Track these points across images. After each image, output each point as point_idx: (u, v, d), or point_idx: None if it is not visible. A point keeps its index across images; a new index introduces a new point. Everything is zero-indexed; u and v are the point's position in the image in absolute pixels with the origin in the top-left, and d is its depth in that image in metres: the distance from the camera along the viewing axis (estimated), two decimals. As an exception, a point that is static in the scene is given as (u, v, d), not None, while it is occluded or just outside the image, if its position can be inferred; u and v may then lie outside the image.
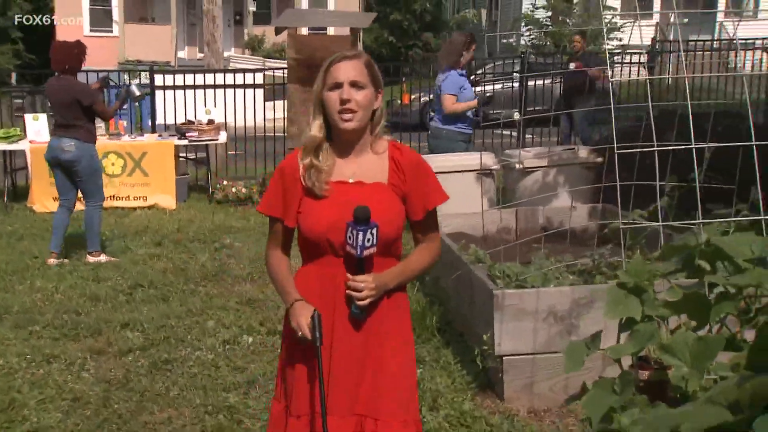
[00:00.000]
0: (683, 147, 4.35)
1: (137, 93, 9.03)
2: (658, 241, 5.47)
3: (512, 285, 4.99)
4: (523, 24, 25.88)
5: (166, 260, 8.33)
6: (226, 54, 21.71)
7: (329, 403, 2.81)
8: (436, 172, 7.53)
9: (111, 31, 30.89)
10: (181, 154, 12.09)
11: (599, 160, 7.54)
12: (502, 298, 4.64)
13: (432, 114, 10.99)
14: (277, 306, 6.74)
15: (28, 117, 11.50)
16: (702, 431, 2.26)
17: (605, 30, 25.08)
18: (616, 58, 17.26)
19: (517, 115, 9.98)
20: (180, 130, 11.73)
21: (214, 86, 13.08)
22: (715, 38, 25.64)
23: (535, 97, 15.25)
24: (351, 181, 2.89)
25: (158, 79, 13.65)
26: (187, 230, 9.64)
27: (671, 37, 26.38)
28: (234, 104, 12.98)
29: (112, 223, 9.96)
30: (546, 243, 5.91)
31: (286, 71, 12.35)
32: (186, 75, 13.85)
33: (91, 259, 8.18)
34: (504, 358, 4.70)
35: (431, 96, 19.16)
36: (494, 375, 4.86)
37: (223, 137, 11.93)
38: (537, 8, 25.48)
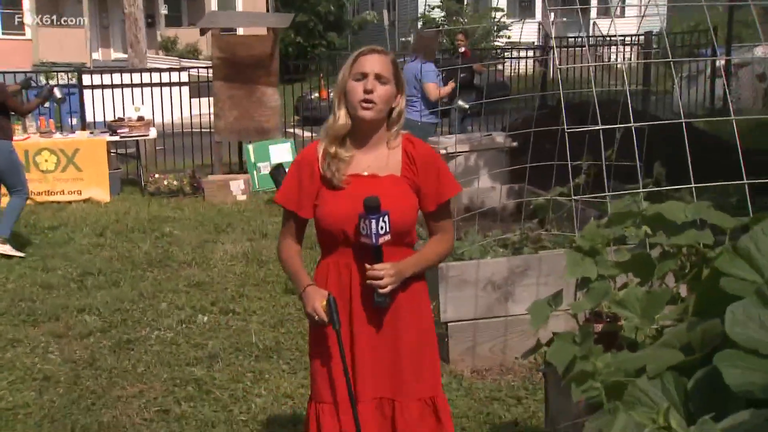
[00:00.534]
0: (613, 128, 4.54)
1: (59, 95, 9.06)
2: (575, 215, 5.71)
3: (452, 258, 5.13)
4: (420, 23, 26.14)
5: (110, 249, 8.22)
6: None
7: (360, 390, 2.78)
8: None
9: (23, 34, 29.95)
10: (111, 150, 11.89)
11: (514, 144, 7.75)
12: (447, 269, 4.77)
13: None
14: (224, 287, 6.76)
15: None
16: (663, 369, 2.43)
17: (494, 28, 25.47)
18: (507, 54, 17.62)
19: (466, 105, 10.13)
20: (111, 127, 11.54)
21: (145, 84, 12.95)
22: (590, 35, 26.29)
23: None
24: (365, 174, 2.80)
25: (85, 79, 13.39)
26: (125, 221, 9.51)
27: (553, 35, 26.98)
28: (161, 101, 12.83)
29: (50, 216, 9.80)
30: (471, 221, 6.08)
31: (203, 70, 12.34)
32: (110, 74, 13.63)
33: None
34: (449, 324, 4.84)
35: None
36: (440, 340, 4.99)
37: (153, 133, 11.78)
38: (433, 8, 25.79)
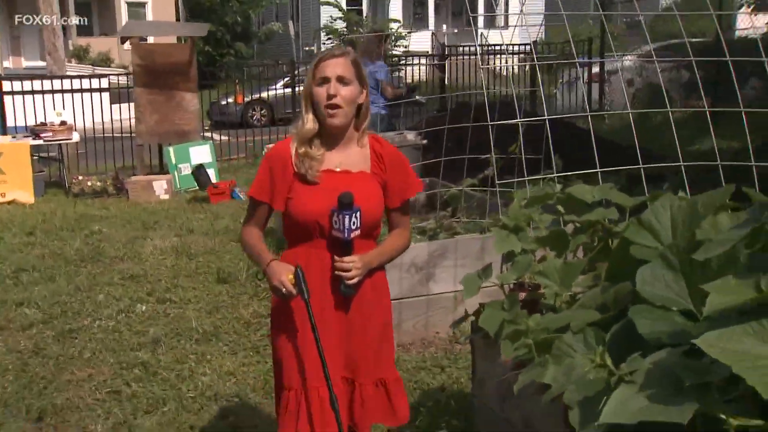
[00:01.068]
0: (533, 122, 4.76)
1: None
2: (484, 205, 5.95)
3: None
4: (324, 33, 26.26)
5: (41, 247, 8.06)
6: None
7: (322, 372, 2.72)
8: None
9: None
10: (34, 154, 11.63)
11: (424, 142, 7.96)
12: (373, 254, 4.92)
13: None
14: (158, 279, 6.76)
15: None
16: (584, 325, 2.65)
17: (394, 37, 25.62)
18: (409, 60, 17.93)
19: (423, 100, 10.32)
20: (34, 131, 11.31)
21: (67, 90, 12.67)
22: (478, 44, 26.80)
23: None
24: (338, 170, 2.78)
25: (5, 85, 13.03)
26: (53, 221, 9.33)
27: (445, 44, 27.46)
28: (82, 107, 12.61)
29: (-24, 218, 9.56)
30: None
31: (122, 77, 12.17)
32: (30, 81, 13.30)
33: None
34: (376, 303, 4.99)
35: (253, 96, 19.32)
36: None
37: (75, 137, 11.59)
38: (335, 19, 25.92)
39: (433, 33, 30.77)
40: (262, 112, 20.22)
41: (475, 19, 33.65)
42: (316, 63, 2.75)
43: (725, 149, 7.09)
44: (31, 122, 12.10)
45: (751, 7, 11.83)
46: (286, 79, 19.90)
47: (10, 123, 12.74)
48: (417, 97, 10.03)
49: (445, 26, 33.46)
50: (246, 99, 18.50)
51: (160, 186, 10.70)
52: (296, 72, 14.99)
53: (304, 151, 2.74)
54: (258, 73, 19.20)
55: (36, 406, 4.37)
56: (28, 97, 12.59)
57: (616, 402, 1.92)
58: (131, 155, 12.61)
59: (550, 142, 4.69)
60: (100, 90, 12.97)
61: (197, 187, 11.08)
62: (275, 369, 2.94)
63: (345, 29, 25.77)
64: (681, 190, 3.34)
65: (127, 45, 11.56)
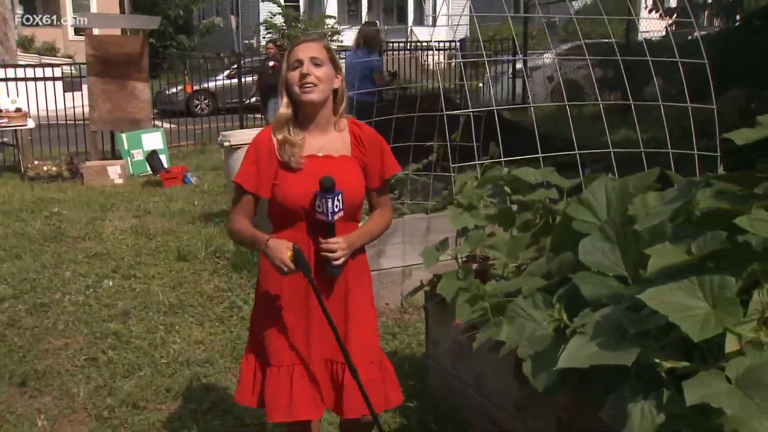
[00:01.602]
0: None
1: None
2: (427, 188, 6.15)
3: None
4: (263, 27, 26.08)
5: (4, 227, 7.97)
6: None
7: (310, 352, 2.70)
8: (243, 144, 7.80)
9: None
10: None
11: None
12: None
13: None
14: (121, 257, 6.78)
15: None
16: (534, 290, 2.84)
17: (327, 33, 25.57)
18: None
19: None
20: (-11, 118, 11.12)
21: (21, 78, 12.43)
22: (409, 41, 26.99)
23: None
24: (320, 154, 2.69)
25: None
26: (11, 203, 9.22)
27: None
28: (36, 95, 12.40)
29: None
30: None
31: (73, 67, 12.04)
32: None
33: None
34: (331, 278, 5.14)
35: (202, 86, 19.19)
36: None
37: (30, 123, 11.40)
38: (275, 15, 25.77)
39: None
40: (206, 101, 20.10)
41: (405, 16, 33.99)
42: (290, 49, 2.67)
43: (635, 139, 7.41)
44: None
45: (659, 12, 12.30)
46: (228, 71, 19.89)
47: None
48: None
49: (378, 22, 33.56)
50: (187, 89, 18.34)
51: (114, 171, 10.63)
52: (242, 63, 14.95)
53: (283, 137, 2.65)
54: (200, 64, 19.11)
55: (18, 372, 4.40)
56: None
57: (571, 350, 2.12)
58: (83, 142, 12.48)
59: (498, 132, 4.87)
60: (54, 79, 12.77)
61: (150, 172, 11.03)
62: (254, 346, 2.84)
63: (284, 24, 25.65)
64: (606, 174, 3.57)
65: (72, 35, 11.46)
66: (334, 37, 26.37)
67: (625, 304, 2.23)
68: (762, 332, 2.00)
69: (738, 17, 10.96)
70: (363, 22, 29.31)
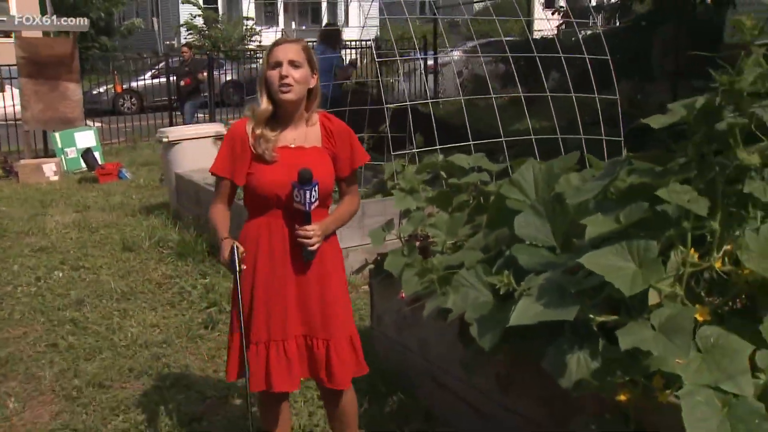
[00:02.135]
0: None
1: None
2: (359, 176, 6.26)
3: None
4: (185, 29, 25.65)
5: (-57, 225, 7.74)
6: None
7: (286, 330, 2.73)
8: (180, 139, 7.75)
9: None
10: None
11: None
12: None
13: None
14: (67, 250, 6.67)
15: None
16: (475, 262, 3.00)
17: (245, 34, 25.30)
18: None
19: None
20: None
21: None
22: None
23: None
24: (293, 146, 2.72)
25: None
26: (-52, 202, 8.92)
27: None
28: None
29: None
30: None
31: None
32: None
33: None
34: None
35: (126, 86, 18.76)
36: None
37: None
38: (195, 17, 25.37)
39: (283, 30, 30.69)
40: (132, 100, 19.66)
41: (319, 17, 33.85)
42: (270, 49, 2.69)
43: (539, 128, 7.72)
44: None
45: (557, 11, 12.75)
46: (153, 71, 19.51)
47: None
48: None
49: (294, 23, 33.41)
50: (117, 88, 17.92)
51: (49, 168, 10.36)
52: (170, 63, 14.72)
53: (261, 133, 2.68)
54: (122, 65, 18.68)
55: (-19, 361, 4.35)
56: None
57: (520, 309, 2.29)
58: (11, 141, 12.12)
59: (435, 124, 5.02)
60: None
61: (84, 169, 10.80)
62: (234, 326, 2.85)
63: (204, 26, 25.29)
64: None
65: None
66: (253, 38, 26.16)
67: (560, 270, 2.41)
68: (677, 287, 2.21)
69: (623, 20, 11.47)
70: (282, 25, 29.13)
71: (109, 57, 23.65)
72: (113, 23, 30.76)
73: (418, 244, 3.54)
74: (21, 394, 3.91)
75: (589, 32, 13.27)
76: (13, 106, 11.86)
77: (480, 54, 13.86)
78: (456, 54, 18.38)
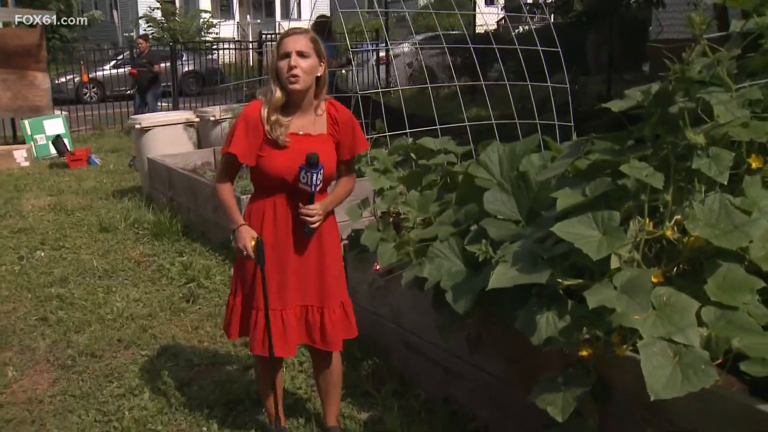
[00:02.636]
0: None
1: None
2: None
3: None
4: (144, 21, 25.14)
5: None
6: None
7: (285, 300, 2.81)
8: (152, 126, 7.68)
9: None
10: None
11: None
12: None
13: None
14: (46, 231, 6.58)
15: None
16: (448, 235, 3.10)
17: (202, 27, 24.84)
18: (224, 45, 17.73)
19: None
20: None
21: None
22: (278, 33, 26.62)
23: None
24: (300, 132, 2.74)
25: None
26: (-77, 187, 8.66)
27: (249, 34, 27.29)
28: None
29: None
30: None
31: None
32: None
33: None
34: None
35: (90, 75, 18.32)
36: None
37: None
38: (153, 9, 24.88)
39: (238, 23, 30.34)
40: (95, 90, 19.24)
41: (273, 11, 33.52)
42: (279, 40, 2.70)
43: (485, 116, 7.87)
44: None
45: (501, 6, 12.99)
46: (114, 62, 19.11)
47: None
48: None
49: (249, 16, 33.00)
50: (83, 78, 17.48)
51: (20, 154, 10.13)
52: (134, 54, 14.47)
53: (276, 119, 2.70)
54: (83, 56, 18.26)
55: (-25, 334, 4.31)
56: None
57: (497, 274, 2.40)
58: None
59: (404, 113, 5.08)
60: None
61: (54, 155, 10.59)
62: (236, 291, 2.91)
63: (163, 18, 24.82)
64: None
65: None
66: (210, 30, 25.78)
67: (529, 239, 2.54)
68: (635, 253, 2.35)
69: (566, 16, 11.70)
70: (236, 18, 28.77)
71: (70, 48, 23.03)
72: (73, 15, 29.92)
73: (391, 220, 3.62)
74: (18, 364, 3.89)
75: (526, 27, 13.53)
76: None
77: (435, 46, 13.94)
78: (406, 46, 18.42)
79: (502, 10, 13.78)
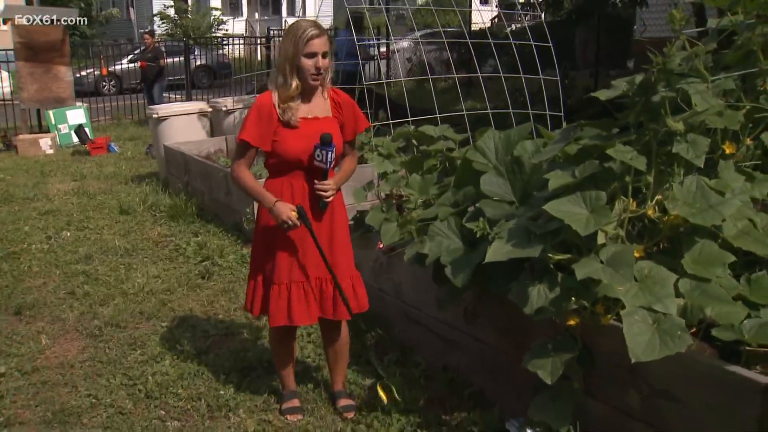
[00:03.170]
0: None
1: None
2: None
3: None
4: (159, 18, 25.07)
5: (-47, 193, 7.57)
6: None
7: (305, 272, 2.86)
8: (169, 115, 7.68)
9: None
10: None
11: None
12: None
13: None
14: (71, 213, 6.62)
15: None
16: (447, 215, 3.15)
17: (213, 23, 24.73)
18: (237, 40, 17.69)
19: None
20: None
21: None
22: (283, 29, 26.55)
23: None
24: (310, 116, 2.82)
25: None
26: (-47, 173, 8.70)
27: (257, 30, 27.21)
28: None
29: None
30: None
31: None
32: None
33: None
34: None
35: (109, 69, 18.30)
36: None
37: (-38, 102, 10.68)
38: (168, 7, 24.81)
39: (246, 20, 30.22)
40: (113, 83, 19.23)
41: (279, 8, 33.39)
42: (306, 40, 2.72)
43: (480, 107, 7.91)
44: None
45: (495, 5, 12.99)
46: (130, 56, 19.08)
47: None
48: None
49: (257, 13, 32.88)
50: (102, 71, 17.47)
51: (45, 143, 10.17)
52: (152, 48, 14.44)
53: (288, 105, 2.78)
54: (100, 50, 18.25)
55: (12, 304, 4.36)
56: None
57: (494, 249, 2.46)
58: (7, 119, 11.82)
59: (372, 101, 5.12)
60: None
61: (77, 143, 10.63)
62: (256, 269, 2.96)
63: (176, 15, 24.75)
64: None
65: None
66: (220, 26, 25.72)
67: (524, 218, 2.59)
68: (619, 230, 2.41)
69: (557, 13, 11.70)
70: (244, 15, 28.63)
71: (89, 44, 23.00)
72: (92, 12, 29.85)
73: (394, 201, 3.67)
74: (50, 333, 3.96)
75: (518, 25, 13.53)
76: (2, 87, 11.58)
77: (433, 40, 13.92)
78: (406, 42, 18.39)
79: (495, 8, 13.76)
